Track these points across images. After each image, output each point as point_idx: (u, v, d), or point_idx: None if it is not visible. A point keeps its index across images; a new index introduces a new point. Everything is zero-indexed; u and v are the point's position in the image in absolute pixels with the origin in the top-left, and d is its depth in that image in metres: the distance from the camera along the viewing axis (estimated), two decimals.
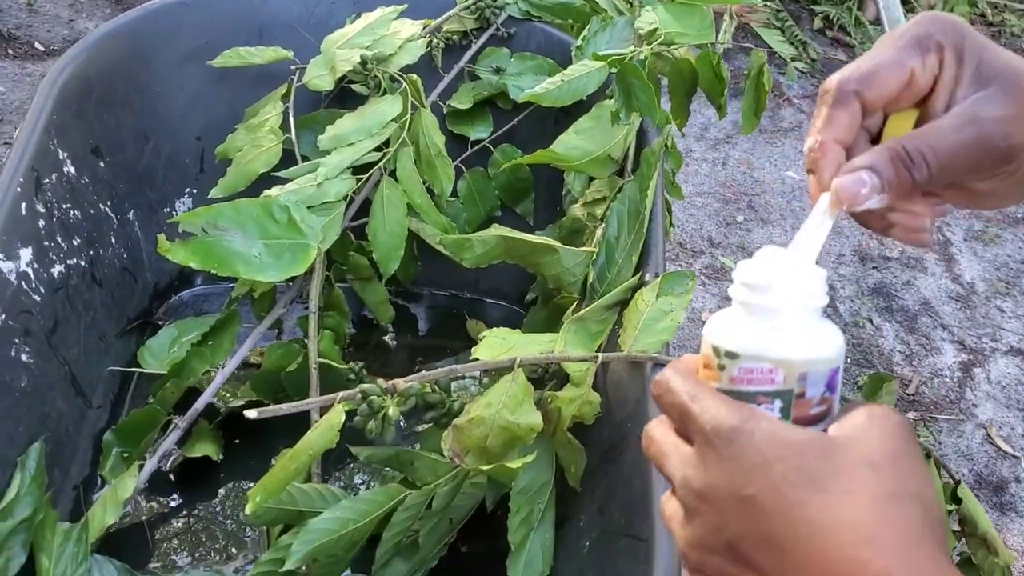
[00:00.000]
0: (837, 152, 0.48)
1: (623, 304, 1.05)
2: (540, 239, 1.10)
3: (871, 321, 2.14)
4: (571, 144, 1.14)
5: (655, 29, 1.19)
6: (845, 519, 0.38)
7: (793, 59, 3.04)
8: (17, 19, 2.63)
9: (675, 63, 1.26)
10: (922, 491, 0.40)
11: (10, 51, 2.52)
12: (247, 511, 0.88)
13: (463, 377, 1.25)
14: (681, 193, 1.42)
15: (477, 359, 1.03)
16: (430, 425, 1.05)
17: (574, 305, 1.13)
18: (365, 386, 0.93)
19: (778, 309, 0.43)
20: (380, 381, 0.95)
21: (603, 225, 1.13)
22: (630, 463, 0.90)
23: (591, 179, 1.22)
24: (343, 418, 0.92)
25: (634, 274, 1.05)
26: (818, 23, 3.42)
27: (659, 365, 0.96)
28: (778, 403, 0.43)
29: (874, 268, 2.29)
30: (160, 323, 1.28)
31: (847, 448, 0.40)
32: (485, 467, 0.94)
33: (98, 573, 0.95)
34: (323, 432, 0.91)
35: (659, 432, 0.46)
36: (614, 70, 1.13)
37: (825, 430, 0.43)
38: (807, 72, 3.07)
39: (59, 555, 0.94)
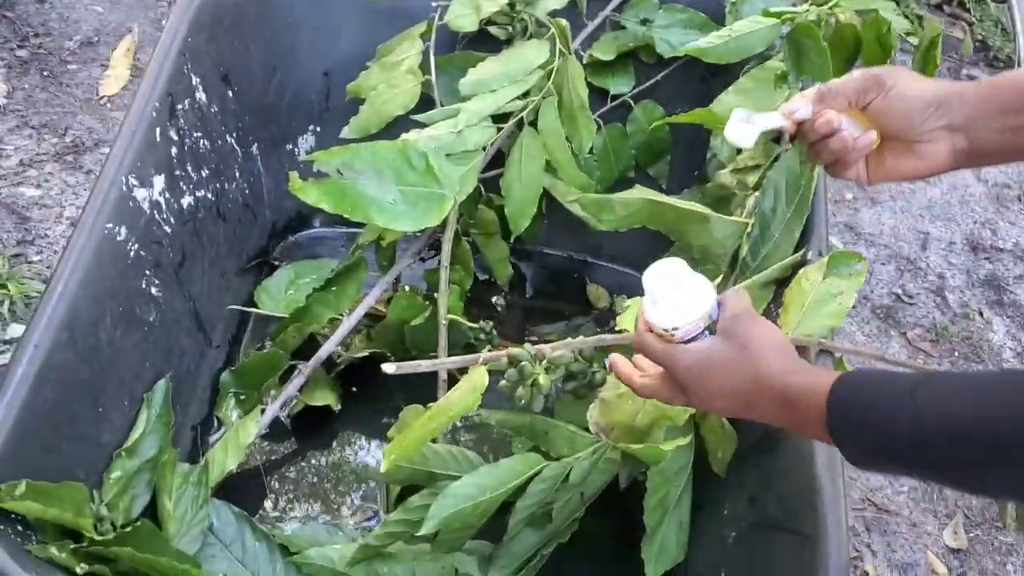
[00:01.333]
0: (786, 105, 0.80)
1: (781, 283, 0.98)
2: (691, 205, 1.04)
3: (981, 314, 2.04)
4: (730, 104, 1.07)
5: None
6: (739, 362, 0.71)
7: (908, 34, 2.89)
8: None
9: (839, 27, 1.17)
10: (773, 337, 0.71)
11: None
12: (382, 469, 0.83)
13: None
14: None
15: (623, 330, 0.97)
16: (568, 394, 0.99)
17: (719, 279, 1.06)
18: (515, 351, 0.88)
19: (676, 293, 0.75)
20: (527, 346, 0.90)
21: (757, 195, 1.05)
22: (789, 454, 0.84)
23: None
24: (486, 381, 0.87)
25: (795, 251, 0.98)
26: None
27: (825, 352, 0.90)
28: (706, 332, 0.75)
29: (986, 259, 2.18)
30: (276, 263, 1.24)
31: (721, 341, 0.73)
32: (634, 446, 0.89)
33: (216, 518, 0.92)
34: (465, 395, 0.86)
35: (625, 366, 0.81)
36: (785, 29, 1.05)
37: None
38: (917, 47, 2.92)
39: (179, 496, 0.90)
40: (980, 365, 1.91)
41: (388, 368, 0.88)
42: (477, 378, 0.87)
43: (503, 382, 0.89)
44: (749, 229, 1.02)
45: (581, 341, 0.91)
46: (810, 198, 0.99)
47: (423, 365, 0.90)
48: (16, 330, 1.57)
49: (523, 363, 0.88)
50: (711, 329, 0.75)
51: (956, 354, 1.94)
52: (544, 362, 0.90)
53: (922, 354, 1.93)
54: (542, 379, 0.88)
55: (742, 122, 0.80)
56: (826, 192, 1.01)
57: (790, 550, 0.78)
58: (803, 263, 0.96)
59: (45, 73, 2.11)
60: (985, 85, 0.74)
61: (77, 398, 0.81)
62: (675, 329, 0.74)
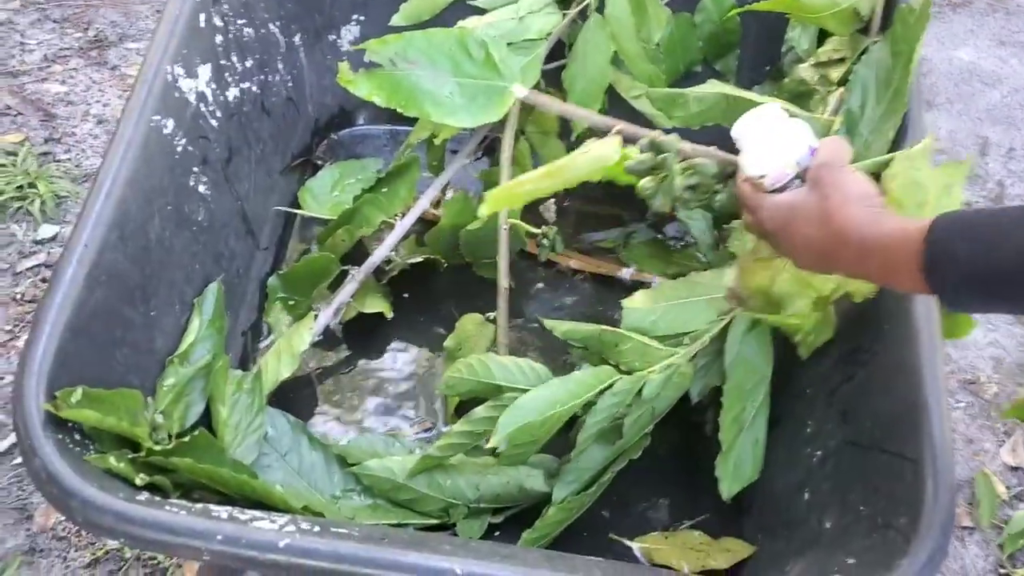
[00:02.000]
0: None
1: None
2: (771, 101, 0.96)
3: None
4: None
5: None
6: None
7: None
8: None
9: None
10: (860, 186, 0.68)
11: None
12: (481, 211, 0.77)
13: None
14: None
15: None
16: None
17: None
18: (663, 137, 0.81)
19: (767, 139, 0.74)
20: (674, 136, 0.82)
21: (842, 91, 0.98)
22: (888, 369, 0.78)
23: (822, 35, 1.06)
24: (618, 153, 0.81)
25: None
26: None
27: None
28: (797, 181, 0.73)
29: None
30: (320, 163, 1.17)
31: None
32: (771, 316, 0.84)
33: (271, 426, 0.88)
34: (591, 161, 0.80)
35: (751, 224, 0.76)
36: None
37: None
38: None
39: (233, 404, 0.86)
40: None
41: (518, 91, 0.87)
42: (608, 147, 0.80)
43: (632, 161, 0.82)
44: (835, 128, 0.95)
45: (722, 155, 0.83)
46: (906, 95, 0.91)
47: (555, 107, 0.89)
48: (47, 230, 1.52)
49: (666, 154, 0.81)
50: (801, 177, 0.72)
51: None
52: (685, 164, 0.82)
53: None
54: (678, 180, 0.81)
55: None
56: (919, 90, 0.93)
57: (889, 472, 0.73)
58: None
59: None
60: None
61: (128, 301, 0.77)
62: (762, 177, 0.73)
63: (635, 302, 0.93)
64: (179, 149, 0.84)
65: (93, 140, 1.69)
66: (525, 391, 0.83)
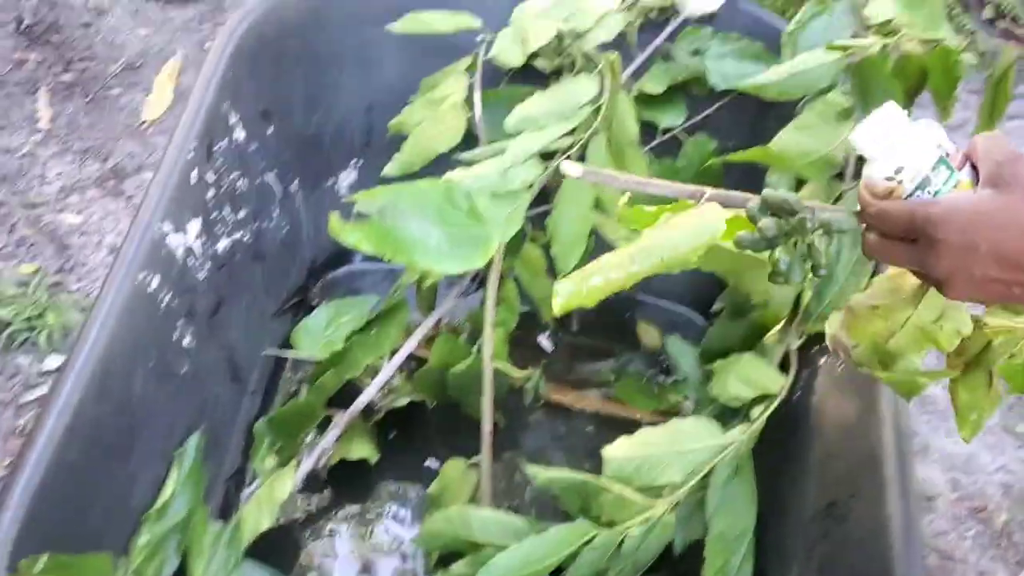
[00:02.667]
0: None
1: None
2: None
3: None
4: (792, 142, 1.01)
5: (890, 20, 1.04)
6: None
7: (961, 50, 2.80)
8: None
9: (903, 58, 1.10)
10: None
11: None
12: (556, 311, 0.70)
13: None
14: None
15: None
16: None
17: (781, 324, 1.00)
18: (787, 195, 0.66)
19: (891, 133, 0.62)
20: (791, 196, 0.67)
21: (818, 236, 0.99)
22: (862, 526, 0.77)
23: (799, 181, 1.08)
24: (722, 225, 0.66)
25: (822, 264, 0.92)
26: (988, 12, 3.16)
27: None
28: (942, 167, 0.61)
29: None
30: (314, 302, 1.20)
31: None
32: (882, 374, 0.75)
33: None
34: (693, 236, 0.66)
35: (883, 244, 0.62)
36: (849, 62, 0.99)
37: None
38: (975, 65, 2.83)
39: (210, 558, 0.86)
40: None
41: (573, 170, 0.70)
42: (710, 216, 0.66)
43: (744, 233, 0.67)
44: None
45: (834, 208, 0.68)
46: None
47: (620, 179, 0.72)
48: (54, 361, 1.55)
49: (801, 215, 0.65)
50: (946, 163, 0.61)
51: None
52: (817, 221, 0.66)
53: None
54: (818, 243, 0.66)
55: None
56: None
57: None
58: None
59: (88, 97, 2.11)
60: None
61: (105, 459, 0.78)
62: (899, 171, 0.61)
63: (616, 450, 0.93)
64: (164, 304, 0.87)
65: (104, 270, 1.73)
66: (503, 547, 0.83)
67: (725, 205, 0.68)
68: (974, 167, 0.61)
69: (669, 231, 0.68)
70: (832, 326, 0.76)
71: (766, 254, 0.85)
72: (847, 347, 0.76)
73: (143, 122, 2.08)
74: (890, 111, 0.64)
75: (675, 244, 0.67)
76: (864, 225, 0.64)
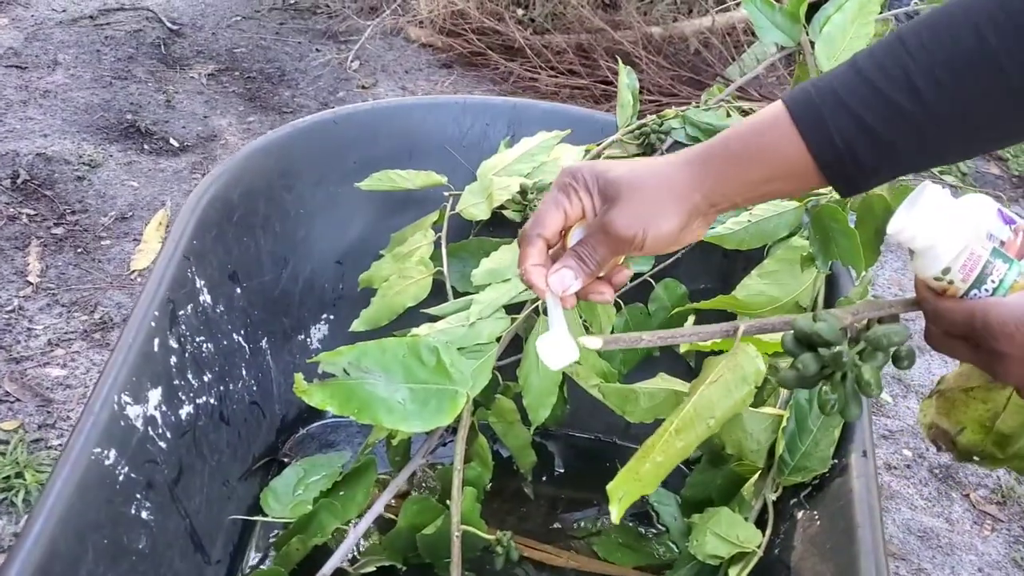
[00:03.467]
0: (539, 271, 0.72)
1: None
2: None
3: None
4: (755, 289, 1.01)
5: None
6: None
7: (942, 172, 2.85)
8: (155, 115, 2.68)
9: (866, 199, 1.12)
10: None
11: (146, 146, 2.55)
12: (615, 518, 0.69)
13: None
14: None
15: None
16: None
17: (757, 476, 0.98)
18: (818, 325, 0.61)
19: (933, 225, 0.56)
20: (832, 313, 0.63)
21: None
22: None
23: None
24: (763, 368, 0.67)
25: (836, 448, 0.90)
26: None
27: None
28: (998, 260, 0.55)
29: None
30: (286, 459, 1.18)
31: None
32: (1005, 463, 0.69)
33: None
34: (732, 389, 0.66)
35: (945, 340, 0.60)
36: (808, 209, 1.00)
37: None
38: (957, 186, 2.87)
39: None
40: None
41: (593, 343, 0.70)
42: (745, 362, 0.66)
43: (785, 372, 0.62)
44: (784, 423, 0.95)
45: (886, 304, 0.64)
46: None
47: (645, 339, 0.70)
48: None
49: (837, 348, 0.59)
50: (1003, 255, 0.55)
51: None
52: (859, 344, 0.61)
53: (989, 518, 1.79)
54: (866, 371, 0.60)
55: (551, 345, 0.71)
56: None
57: None
58: (845, 465, 0.88)
59: (79, 250, 2.14)
60: (721, 159, 0.69)
61: None
62: (946, 272, 0.56)
63: None
64: (121, 478, 0.85)
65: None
66: None
67: (763, 333, 0.65)
68: None
69: (708, 391, 0.67)
70: (927, 415, 0.71)
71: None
72: (950, 434, 0.70)
73: (132, 272, 2.10)
74: (931, 195, 0.57)
75: (718, 403, 0.67)
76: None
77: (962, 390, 0.70)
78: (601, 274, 0.72)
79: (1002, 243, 0.55)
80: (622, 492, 0.67)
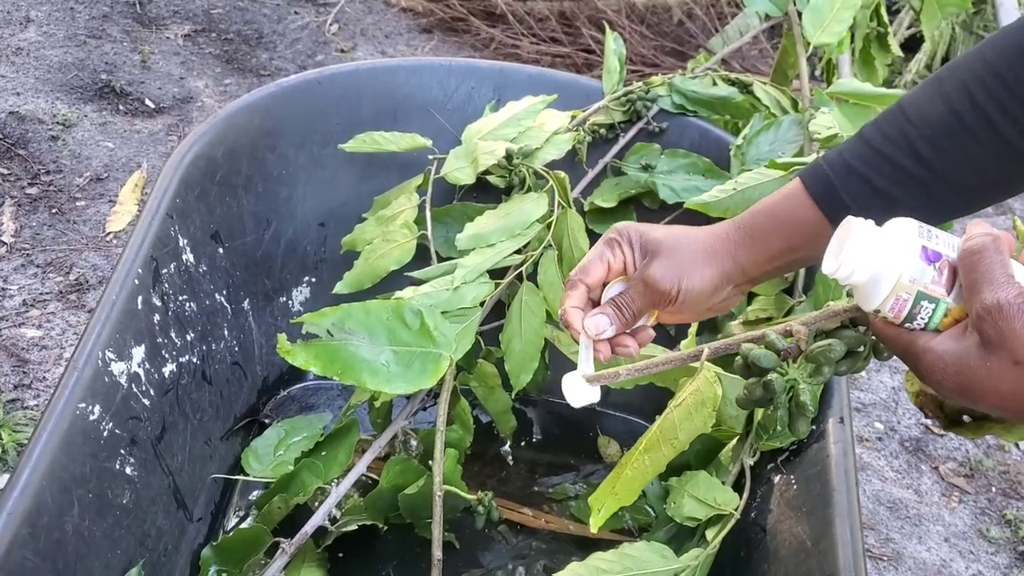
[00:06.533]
0: (578, 313, 0.80)
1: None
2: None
3: (1018, 445, 1.95)
4: None
5: (835, 135, 1.07)
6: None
7: None
8: (130, 75, 2.64)
9: None
10: None
11: (121, 107, 2.51)
12: (594, 528, 0.80)
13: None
14: None
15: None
16: None
17: (735, 441, 0.99)
18: (750, 346, 0.67)
19: (860, 266, 0.58)
20: (772, 333, 0.67)
21: None
22: None
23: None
24: (719, 392, 0.72)
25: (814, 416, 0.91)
26: None
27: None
28: (924, 301, 0.57)
29: None
30: (267, 421, 1.18)
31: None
32: (993, 427, 0.68)
33: None
34: (693, 412, 0.71)
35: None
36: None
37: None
38: None
39: None
40: (1020, 502, 1.80)
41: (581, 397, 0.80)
42: (705, 387, 0.71)
43: (742, 393, 0.68)
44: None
45: (841, 311, 0.66)
46: None
47: (622, 374, 0.78)
48: (5, 481, 1.51)
49: (770, 375, 0.65)
50: (927, 296, 0.57)
51: (993, 489, 1.84)
52: (798, 361, 0.65)
53: (957, 490, 1.83)
54: (805, 396, 0.65)
55: (577, 383, 0.80)
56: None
57: None
58: (823, 431, 0.89)
59: (54, 210, 2.12)
60: (748, 233, 0.78)
61: None
62: (877, 312, 0.59)
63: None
64: (105, 434, 0.85)
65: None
66: None
67: (722, 354, 0.72)
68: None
69: (671, 414, 0.74)
70: (915, 383, 0.72)
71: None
72: (938, 399, 0.70)
73: (107, 234, 2.08)
74: (854, 228, 0.59)
75: (681, 425, 0.73)
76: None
77: None
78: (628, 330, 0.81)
79: (926, 285, 0.57)
80: (601, 505, 0.74)
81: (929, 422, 1.94)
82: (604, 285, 0.82)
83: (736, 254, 0.78)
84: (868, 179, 0.73)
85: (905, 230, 0.59)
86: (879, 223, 0.61)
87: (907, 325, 0.59)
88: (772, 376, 0.66)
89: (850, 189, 0.74)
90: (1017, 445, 1.95)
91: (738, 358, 0.68)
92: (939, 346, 0.57)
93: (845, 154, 0.75)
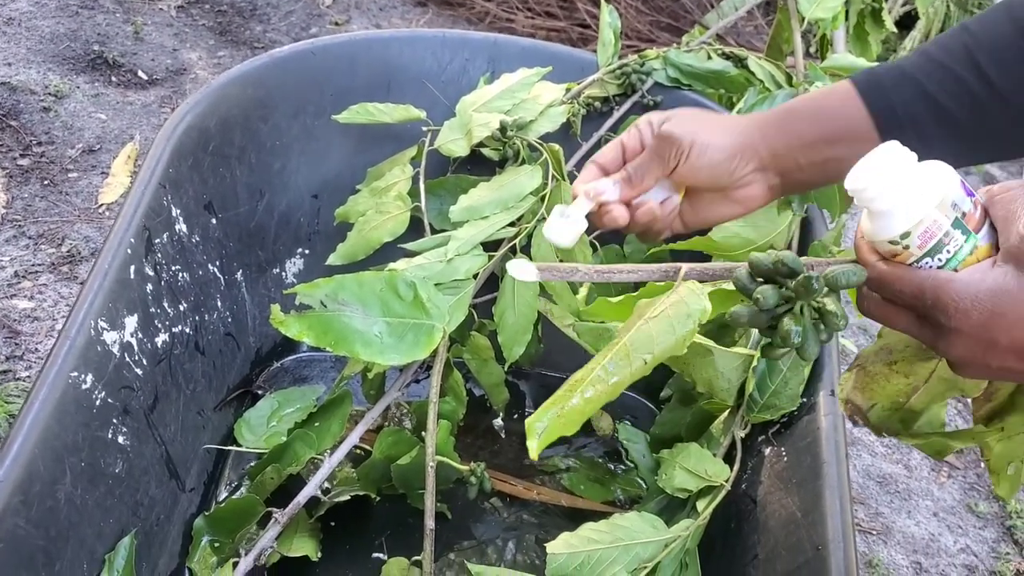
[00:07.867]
0: (591, 186, 0.79)
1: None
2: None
3: None
4: (731, 231, 1.02)
5: None
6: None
7: None
8: (123, 47, 2.61)
9: None
10: None
11: (113, 78, 2.49)
12: (533, 454, 0.59)
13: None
14: None
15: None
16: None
17: (726, 414, 1.00)
18: (783, 255, 0.58)
19: (897, 187, 0.53)
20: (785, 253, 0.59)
21: None
22: None
23: None
24: (707, 306, 0.59)
25: (805, 387, 0.92)
26: None
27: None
28: (957, 231, 0.53)
29: None
30: (260, 392, 1.18)
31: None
32: (908, 439, 0.68)
33: None
34: (676, 324, 0.58)
35: (884, 308, 0.58)
36: None
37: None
38: None
39: None
40: None
41: (526, 273, 0.62)
42: (691, 297, 0.58)
43: (738, 308, 0.59)
44: (755, 363, 0.96)
45: (824, 262, 0.59)
46: None
47: (581, 271, 0.63)
48: None
49: (808, 275, 0.56)
50: (963, 227, 0.53)
51: (981, 465, 1.85)
52: (823, 276, 0.57)
53: (946, 465, 1.85)
54: (831, 303, 0.57)
55: (559, 218, 0.79)
56: None
57: None
58: (814, 404, 0.90)
59: (46, 182, 2.11)
60: (783, 114, 0.75)
61: (26, 569, 0.75)
62: (905, 236, 0.53)
63: (559, 546, 0.91)
64: (98, 403, 0.85)
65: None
66: None
67: (704, 280, 0.61)
68: (993, 226, 0.54)
69: (647, 326, 0.59)
70: (844, 389, 0.70)
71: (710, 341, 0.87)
72: (862, 410, 0.70)
73: (100, 206, 2.07)
74: (894, 152, 0.54)
75: (658, 339, 0.58)
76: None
77: (885, 364, 0.69)
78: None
79: (964, 214, 0.53)
80: (542, 426, 0.58)
81: None
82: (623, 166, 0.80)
83: (766, 130, 0.75)
84: (922, 85, 0.69)
85: (945, 166, 0.55)
86: (925, 137, 0.62)
87: (925, 261, 0.54)
88: (808, 274, 0.56)
89: (901, 92, 0.70)
90: None
91: (739, 273, 0.60)
92: (967, 276, 0.53)
93: (901, 63, 0.72)
